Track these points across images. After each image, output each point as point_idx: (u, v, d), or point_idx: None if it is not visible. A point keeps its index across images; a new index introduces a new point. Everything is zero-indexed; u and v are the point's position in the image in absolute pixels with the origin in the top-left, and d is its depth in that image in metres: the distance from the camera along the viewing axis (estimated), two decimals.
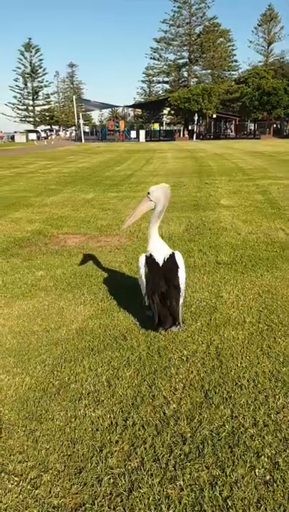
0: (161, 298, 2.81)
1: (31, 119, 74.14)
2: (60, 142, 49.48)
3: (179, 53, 67.75)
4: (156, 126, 64.19)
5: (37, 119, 74.71)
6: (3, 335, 3.03)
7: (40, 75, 72.75)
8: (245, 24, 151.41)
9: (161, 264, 2.92)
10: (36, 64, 72.01)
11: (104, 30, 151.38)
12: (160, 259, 2.94)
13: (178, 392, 2.33)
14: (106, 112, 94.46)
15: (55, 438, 2.02)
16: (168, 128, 69.58)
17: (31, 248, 5.35)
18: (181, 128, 60.28)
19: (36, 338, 2.98)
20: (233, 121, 60.19)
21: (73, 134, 63.27)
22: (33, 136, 56.32)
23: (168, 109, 60.24)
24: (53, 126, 77.04)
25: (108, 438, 2.01)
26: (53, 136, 63.44)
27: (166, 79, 71.30)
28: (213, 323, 3.12)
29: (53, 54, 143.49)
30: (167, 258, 2.95)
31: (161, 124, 66.10)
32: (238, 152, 23.85)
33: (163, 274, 2.89)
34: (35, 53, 71.69)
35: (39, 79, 72.97)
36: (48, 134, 65.07)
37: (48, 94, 76.08)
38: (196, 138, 51.15)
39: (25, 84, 72.75)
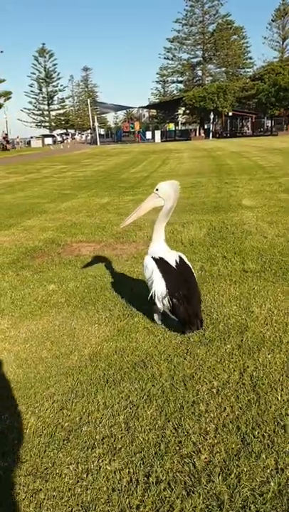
0: (184, 300, 2.74)
1: (47, 124, 74.62)
2: (76, 146, 49.49)
3: (192, 52, 67.37)
4: (171, 126, 63.78)
5: (52, 123, 75.15)
6: (8, 363, 2.70)
7: (55, 79, 73.26)
8: (259, 20, 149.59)
9: (174, 266, 2.88)
10: (50, 69, 72.53)
11: (116, 32, 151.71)
12: (171, 260, 2.91)
13: (209, 437, 1.95)
14: (121, 113, 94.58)
15: (62, 501, 1.67)
16: (183, 128, 69.04)
17: (43, 259, 5.04)
18: (197, 127, 59.68)
19: (45, 366, 2.64)
20: (250, 119, 59.27)
21: (89, 137, 63.30)
22: (49, 140, 56.54)
23: (183, 108, 59.84)
24: (69, 130, 77.39)
25: (127, 501, 1.65)
26: (69, 140, 63.62)
27: (180, 78, 70.96)
28: (246, 344, 2.73)
29: (67, 58, 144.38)
30: (178, 259, 2.93)
31: (176, 124, 65.64)
32: (255, 150, 23.27)
33: (180, 275, 2.85)
34: (49, 58, 72.20)
35: (54, 83, 73.47)
36: (64, 138, 65.29)
37: (62, 99, 76.59)
38: (212, 137, 50.51)
39: (40, 90, 73.30)
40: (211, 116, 52.31)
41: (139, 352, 2.72)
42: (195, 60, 67.78)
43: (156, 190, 3.00)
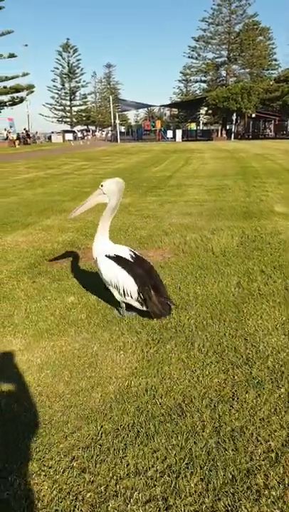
0: (154, 290, 2.90)
1: (68, 120, 74.44)
2: (96, 142, 49.19)
3: (217, 52, 66.34)
4: (193, 126, 63.04)
5: (74, 119, 74.97)
6: (17, 399, 2.26)
7: (78, 75, 72.93)
8: (285, 21, 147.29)
9: (132, 261, 3.00)
10: (74, 64, 72.22)
11: (141, 30, 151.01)
12: (126, 255, 3.03)
13: None
14: (142, 111, 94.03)
15: None
16: (205, 128, 68.23)
17: (62, 264, 4.61)
18: (219, 128, 58.86)
19: (62, 406, 2.20)
20: (273, 121, 58.19)
21: (109, 135, 62.97)
22: (69, 136, 56.33)
23: (205, 108, 59.03)
24: (90, 127, 77.16)
25: None
26: (89, 137, 63.40)
27: (204, 78, 70.05)
28: None
29: (90, 55, 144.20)
30: (131, 253, 3.08)
31: (198, 124, 64.86)
32: (280, 152, 22.61)
33: (140, 268, 2.96)
34: (73, 53, 71.91)
35: (76, 79, 73.15)
36: (85, 134, 65.09)
37: (85, 95, 76.24)
38: (234, 138, 49.68)
39: (63, 85, 73.08)
40: (234, 117, 51.46)
41: (174, 393, 2.26)
42: (220, 59, 66.77)
43: (101, 186, 3.08)
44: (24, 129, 47.66)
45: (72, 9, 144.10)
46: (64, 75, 72.78)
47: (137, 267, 2.97)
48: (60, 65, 72.36)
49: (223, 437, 1.92)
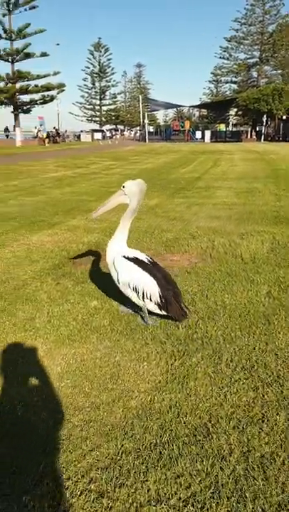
0: (174, 296, 2.91)
1: (97, 119, 74.84)
2: (125, 142, 49.27)
3: (249, 52, 65.43)
4: (222, 127, 62.44)
5: (103, 118, 75.32)
6: (35, 409, 2.17)
7: (108, 74, 73.17)
8: None
9: (150, 265, 2.99)
10: (105, 63, 72.52)
11: (173, 30, 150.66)
12: (144, 259, 3.03)
13: None
14: (170, 112, 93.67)
15: None
16: (234, 129, 67.45)
17: (86, 266, 4.53)
18: (249, 129, 58.05)
19: (81, 420, 2.09)
20: None
21: (137, 134, 62.97)
22: (98, 135, 56.59)
23: (235, 109, 58.34)
24: (118, 126, 77.36)
25: None
26: (118, 136, 63.56)
27: (234, 79, 69.26)
28: None
29: (121, 54, 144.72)
30: (148, 258, 3.07)
31: (227, 125, 64.19)
32: None
33: (159, 272, 2.97)
34: (104, 53, 72.20)
35: (107, 78, 73.41)
36: (113, 133, 65.25)
37: (114, 94, 76.45)
38: (264, 139, 48.90)
39: (93, 84, 73.48)
40: (264, 119, 50.67)
41: (200, 411, 2.13)
42: (251, 60, 65.88)
43: (123, 187, 3.07)
44: (54, 128, 48.10)
45: (104, 9, 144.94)
46: (95, 74, 73.20)
47: (155, 270, 2.98)
48: (91, 64, 72.83)
49: (251, 464, 1.78)
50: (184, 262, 4.65)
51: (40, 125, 46.12)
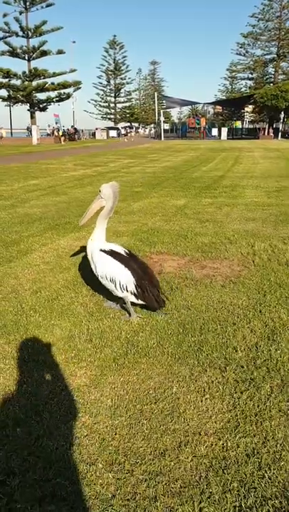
0: (149, 284, 3.01)
1: (112, 116, 74.57)
2: (140, 139, 48.88)
3: (266, 48, 64.33)
4: (238, 124, 61.63)
5: (118, 116, 75.02)
6: (88, 455, 1.84)
7: (123, 71, 72.82)
8: None
9: (127, 256, 3.12)
10: (120, 61, 72.17)
11: (186, 27, 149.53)
12: (120, 251, 3.16)
13: None
14: (185, 109, 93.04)
15: None
16: (250, 126, 66.56)
17: None
18: (266, 126, 57.17)
19: (145, 474, 1.75)
20: None
21: (152, 132, 62.53)
22: (113, 133, 56.31)
23: (251, 106, 57.51)
24: (133, 124, 76.98)
25: None
26: (133, 134, 63.17)
27: (251, 75, 68.28)
28: None
29: (135, 52, 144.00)
30: (125, 250, 3.20)
31: (243, 122, 63.34)
32: None
33: (135, 263, 3.09)
34: (119, 50, 71.85)
35: (122, 76, 73.07)
36: (128, 131, 64.89)
37: (129, 92, 76.07)
38: (282, 137, 48.10)
39: (108, 82, 73.22)
40: (282, 115, 49.81)
41: (284, 462, 1.78)
42: (268, 56, 64.82)
43: (100, 191, 3.22)
44: (72, 126, 47.93)
45: (119, 7, 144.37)
46: (110, 72, 72.90)
47: (132, 261, 3.09)
48: (106, 61, 72.55)
49: None
50: (225, 270, 4.30)
51: (56, 123, 46.06)
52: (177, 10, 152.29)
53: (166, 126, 64.82)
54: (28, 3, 39.63)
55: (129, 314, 3.14)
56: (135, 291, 2.99)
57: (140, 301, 3.06)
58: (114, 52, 72.27)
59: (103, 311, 3.32)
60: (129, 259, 3.10)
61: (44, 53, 40.63)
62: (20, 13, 39.61)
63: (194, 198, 8.68)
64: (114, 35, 73.11)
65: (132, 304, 3.13)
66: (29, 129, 50.68)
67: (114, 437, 1.95)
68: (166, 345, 2.77)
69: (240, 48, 65.14)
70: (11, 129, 51.44)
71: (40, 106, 42.84)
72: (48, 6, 40.28)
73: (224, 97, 72.79)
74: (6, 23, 39.40)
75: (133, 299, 3.06)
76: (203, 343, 2.80)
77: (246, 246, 5.08)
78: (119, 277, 3.02)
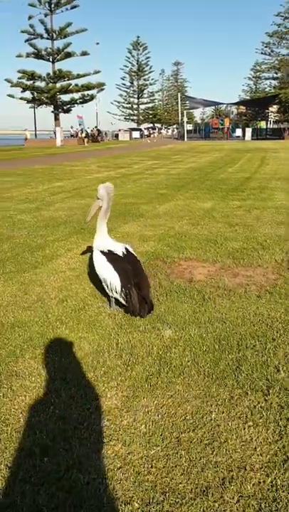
0: (136, 287, 3.04)
1: (135, 117, 74.57)
2: (162, 140, 48.70)
3: None
4: (262, 124, 60.77)
5: (140, 117, 74.98)
6: (123, 493, 1.67)
7: (147, 72, 72.69)
8: None
9: (122, 257, 3.19)
10: (143, 62, 72.09)
11: (210, 27, 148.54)
12: (119, 252, 3.22)
13: None
14: (208, 109, 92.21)
15: None
16: (275, 126, 65.52)
17: (149, 281, 4.02)
18: None
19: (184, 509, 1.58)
20: None
21: (175, 132, 62.24)
22: (136, 134, 56.29)
23: (276, 106, 56.62)
24: (155, 125, 76.80)
25: None
26: (155, 134, 63.00)
27: (275, 75, 67.22)
28: None
29: (158, 53, 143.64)
30: (125, 252, 3.24)
31: (267, 122, 62.41)
32: None
33: (129, 264, 3.14)
34: (143, 51, 71.77)
35: (145, 77, 72.96)
36: (151, 132, 64.76)
37: (152, 93, 75.92)
38: None
39: (132, 83, 73.22)
40: None
41: None
42: None
43: (97, 191, 3.36)
44: (95, 127, 48.09)
45: (142, 7, 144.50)
46: (133, 73, 72.89)
47: (125, 263, 3.14)
48: (130, 62, 72.58)
49: None
50: (259, 279, 4.08)
51: (79, 124, 46.27)
52: (201, 10, 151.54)
53: (189, 127, 64.40)
54: (53, 6, 39.92)
55: (110, 306, 3.36)
56: (122, 294, 3.10)
57: (127, 305, 3.15)
58: (137, 54, 72.26)
59: (132, 323, 3.15)
60: (122, 260, 3.17)
61: (68, 55, 40.84)
62: (46, 15, 39.93)
63: (222, 200, 8.44)
64: (138, 36, 72.85)
65: (120, 304, 3.27)
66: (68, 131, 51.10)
67: (150, 471, 1.77)
68: (202, 364, 2.58)
69: (266, 47, 64.08)
70: (36, 130, 51.91)
71: (64, 108, 43.07)
72: (72, 7, 40.50)
73: (248, 97, 71.92)
74: (31, 26, 39.78)
75: (123, 301, 3.16)
76: (241, 361, 2.60)
77: (280, 252, 4.84)
78: (109, 279, 3.15)
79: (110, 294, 3.24)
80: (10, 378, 2.45)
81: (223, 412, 2.13)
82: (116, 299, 3.25)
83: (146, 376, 2.45)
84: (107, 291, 3.26)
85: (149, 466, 1.80)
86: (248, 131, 50.50)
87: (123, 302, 3.16)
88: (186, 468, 1.78)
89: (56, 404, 2.20)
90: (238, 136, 51.25)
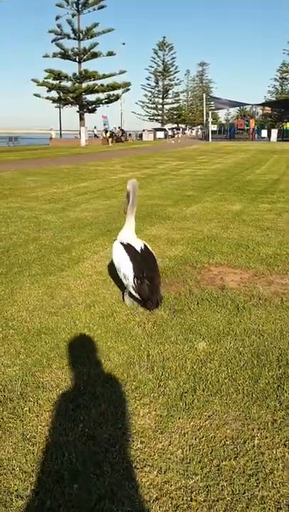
0: (148, 280, 3.11)
1: (159, 118, 74.38)
2: (187, 141, 48.37)
3: None
4: (288, 126, 59.86)
5: (165, 117, 74.75)
6: None
7: (172, 73, 72.43)
8: None
9: (140, 252, 3.30)
10: (168, 62, 71.86)
11: (235, 27, 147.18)
12: (137, 247, 3.33)
13: None
14: (232, 110, 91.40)
15: None
16: None
17: (179, 288, 3.87)
18: None
19: None
20: None
21: (199, 133, 61.79)
22: (160, 134, 56.09)
23: None
24: (180, 125, 76.46)
25: None
26: (180, 135, 62.68)
27: None
28: None
29: (183, 53, 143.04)
30: (143, 247, 3.37)
31: None
32: None
33: (144, 259, 3.25)
34: (169, 51, 71.54)
35: (170, 77, 72.72)
36: (175, 132, 64.46)
37: (177, 93, 75.61)
38: None
39: (157, 83, 73.08)
40: None
41: None
42: None
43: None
44: (119, 127, 48.10)
45: (168, 7, 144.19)
46: (158, 73, 72.74)
47: (140, 256, 3.26)
48: (155, 63, 72.44)
49: None
50: None
51: (104, 124, 46.34)
52: (227, 10, 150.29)
53: (214, 128, 63.87)
54: (80, 6, 40.06)
55: (123, 299, 3.51)
56: (133, 284, 3.15)
57: (136, 295, 3.20)
58: (163, 54, 72.08)
59: (163, 333, 2.99)
60: (137, 253, 3.27)
61: (95, 55, 40.90)
62: (73, 15, 40.10)
63: (251, 202, 8.21)
64: (164, 37, 72.76)
65: (134, 297, 3.32)
66: (91, 131, 51.26)
67: (190, 504, 1.61)
68: (240, 381, 2.40)
69: None
70: (60, 130, 52.25)
71: (89, 107, 43.19)
72: (100, 8, 40.53)
73: (274, 99, 70.99)
74: (59, 26, 39.97)
75: (134, 293, 3.21)
76: (283, 379, 2.41)
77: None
78: (123, 267, 3.25)
79: (125, 281, 3.31)
80: (36, 391, 2.33)
81: (266, 438, 1.95)
82: (129, 293, 3.33)
83: (181, 393, 2.29)
84: (122, 280, 3.34)
85: (189, 498, 1.64)
86: (274, 132, 49.68)
87: (133, 292, 3.21)
88: (229, 504, 1.61)
89: (86, 421, 2.05)
90: (264, 137, 50.52)
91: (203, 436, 1.97)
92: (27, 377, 2.45)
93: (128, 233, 3.47)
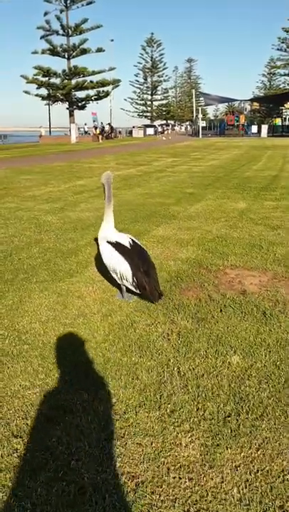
0: (145, 276, 3.13)
1: (148, 114, 74.03)
2: (177, 137, 48.10)
3: None
4: (278, 121, 59.86)
5: (154, 113, 74.42)
6: None
7: (160, 69, 72.12)
8: None
9: (129, 247, 3.28)
10: (157, 59, 71.50)
11: (222, 26, 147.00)
12: (125, 242, 3.31)
13: None
14: (221, 106, 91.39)
15: None
16: None
17: (197, 292, 3.65)
18: None
19: None
20: None
21: (188, 129, 61.60)
22: (150, 131, 55.80)
23: None
24: (169, 121, 76.20)
25: None
26: (169, 131, 62.45)
27: None
28: None
29: (172, 50, 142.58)
30: (130, 241, 3.34)
31: (282, 119, 61.46)
32: None
33: (136, 254, 3.24)
34: (157, 48, 71.16)
35: (159, 74, 72.39)
36: (164, 128, 64.19)
37: (166, 89, 75.31)
38: None
39: (145, 79, 72.70)
40: None
41: None
42: None
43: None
44: (108, 124, 47.70)
45: (156, 8, 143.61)
46: (147, 70, 72.36)
47: (133, 253, 3.23)
48: (144, 59, 72.03)
49: None
50: None
51: (94, 121, 45.89)
52: (216, 9, 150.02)
53: (203, 124, 63.71)
54: (68, 2, 39.54)
55: (122, 297, 3.46)
56: (132, 282, 3.16)
57: (137, 290, 3.23)
58: (151, 50, 71.74)
59: (190, 346, 2.77)
60: (130, 251, 3.23)
61: (84, 51, 40.44)
62: (61, 11, 39.55)
63: (255, 200, 8.01)
64: (152, 33, 72.26)
65: (134, 292, 3.34)
66: (81, 128, 50.70)
67: None
68: (286, 401, 2.18)
69: (282, 42, 63.12)
70: (50, 127, 51.68)
71: (79, 104, 42.72)
72: (88, 3, 40.06)
73: (262, 94, 71.03)
74: (47, 22, 39.42)
75: (134, 289, 3.23)
76: None
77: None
78: (119, 269, 3.20)
79: (120, 282, 3.30)
80: (62, 416, 2.08)
81: None
82: (127, 288, 3.33)
83: (224, 417, 2.07)
84: (117, 280, 3.32)
85: None
86: (264, 128, 49.69)
87: (134, 290, 3.24)
88: None
89: (123, 456, 1.82)
90: (254, 133, 50.49)
91: (257, 470, 1.75)
92: (51, 401, 2.20)
93: (109, 229, 3.43)
